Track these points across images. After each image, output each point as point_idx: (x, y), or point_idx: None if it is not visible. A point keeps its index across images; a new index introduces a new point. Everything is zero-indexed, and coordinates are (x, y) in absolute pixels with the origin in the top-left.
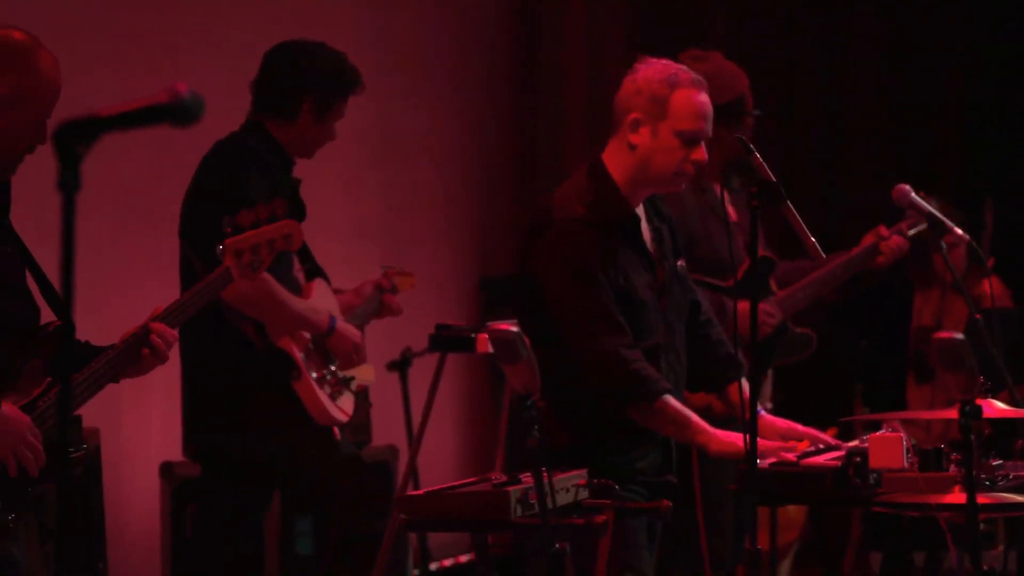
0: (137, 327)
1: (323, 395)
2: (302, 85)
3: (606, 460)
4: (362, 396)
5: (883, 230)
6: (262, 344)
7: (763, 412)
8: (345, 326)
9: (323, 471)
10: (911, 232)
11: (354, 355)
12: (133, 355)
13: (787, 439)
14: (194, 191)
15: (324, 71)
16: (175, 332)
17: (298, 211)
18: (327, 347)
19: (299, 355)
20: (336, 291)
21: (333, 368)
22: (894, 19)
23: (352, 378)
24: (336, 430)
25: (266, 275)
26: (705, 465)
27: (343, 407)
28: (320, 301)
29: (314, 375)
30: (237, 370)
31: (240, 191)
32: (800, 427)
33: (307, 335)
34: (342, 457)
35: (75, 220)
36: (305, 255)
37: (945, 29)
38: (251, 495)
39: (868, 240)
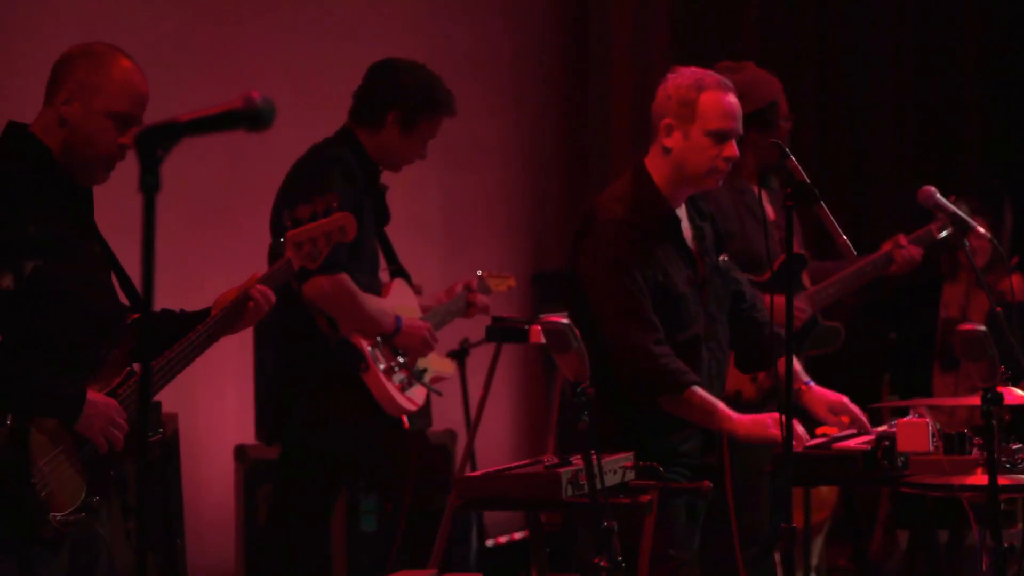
0: (236, 290)
1: (391, 386)
2: (389, 97)
3: (650, 443)
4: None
5: (902, 239)
6: (334, 337)
7: (813, 385)
8: (412, 323)
9: (391, 457)
10: (941, 234)
11: (422, 348)
12: (238, 314)
13: (836, 412)
14: (282, 190)
15: (412, 86)
16: (273, 296)
17: (383, 215)
18: (395, 344)
19: (367, 348)
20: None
21: (403, 360)
22: (917, 23)
23: (425, 370)
24: (405, 419)
25: (344, 276)
26: (735, 448)
27: (413, 397)
28: (396, 300)
29: (382, 367)
30: (310, 361)
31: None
32: (849, 401)
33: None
34: (410, 442)
35: (155, 220)
36: (391, 256)
37: (966, 31)
38: (322, 480)
39: (886, 247)
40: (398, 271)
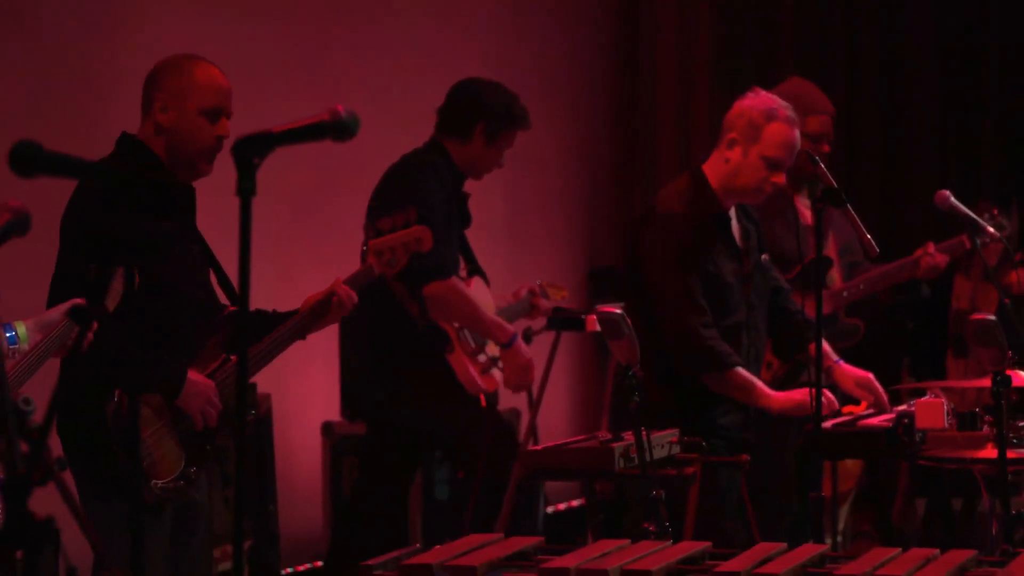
0: (322, 292)
1: (473, 367)
2: (477, 111)
3: (694, 419)
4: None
5: (931, 246)
6: (423, 321)
7: (842, 363)
8: (521, 345)
9: (469, 432)
10: (972, 243)
11: (523, 375)
12: (324, 310)
13: (864, 388)
14: (379, 195)
15: (496, 103)
16: (356, 297)
17: (465, 219)
18: (503, 358)
19: (453, 331)
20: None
21: (484, 346)
22: (944, 30)
23: (497, 357)
24: (483, 397)
25: (456, 282)
26: (764, 425)
27: (489, 381)
28: (475, 293)
29: (466, 349)
30: (399, 343)
31: (419, 196)
32: (873, 378)
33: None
34: (485, 418)
35: (251, 222)
36: (469, 256)
37: (988, 43)
38: (404, 452)
39: (917, 253)
40: (476, 270)
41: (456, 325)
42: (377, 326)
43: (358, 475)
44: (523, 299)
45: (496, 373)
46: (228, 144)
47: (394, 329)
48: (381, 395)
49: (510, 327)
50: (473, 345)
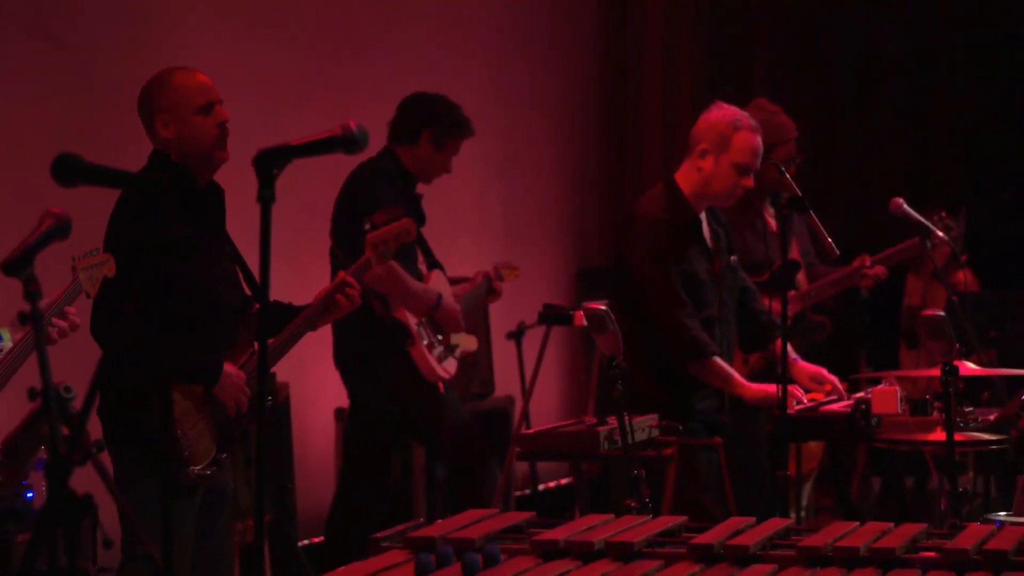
0: (330, 286)
1: (431, 358)
2: (424, 119)
3: (672, 405)
4: (485, 356)
5: (867, 259)
6: (386, 316)
7: (799, 360)
8: (450, 302)
9: (430, 415)
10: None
11: (455, 325)
12: (330, 304)
13: (817, 381)
14: (340, 200)
15: (441, 112)
16: (360, 287)
17: (419, 218)
18: (436, 319)
19: (413, 326)
20: (458, 280)
21: (441, 337)
22: (910, 63)
23: (457, 346)
24: (441, 385)
25: (393, 262)
26: (739, 412)
27: (447, 368)
28: (435, 286)
29: (425, 342)
30: (367, 337)
31: (372, 200)
32: (827, 372)
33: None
34: (444, 403)
35: (271, 225)
36: (427, 251)
37: (951, 80)
38: (379, 432)
39: (855, 264)
40: (434, 263)
41: (415, 320)
42: (349, 322)
43: (341, 461)
44: (480, 284)
45: (451, 362)
46: (250, 155)
47: (362, 325)
48: (356, 381)
49: (434, 291)
50: (430, 338)
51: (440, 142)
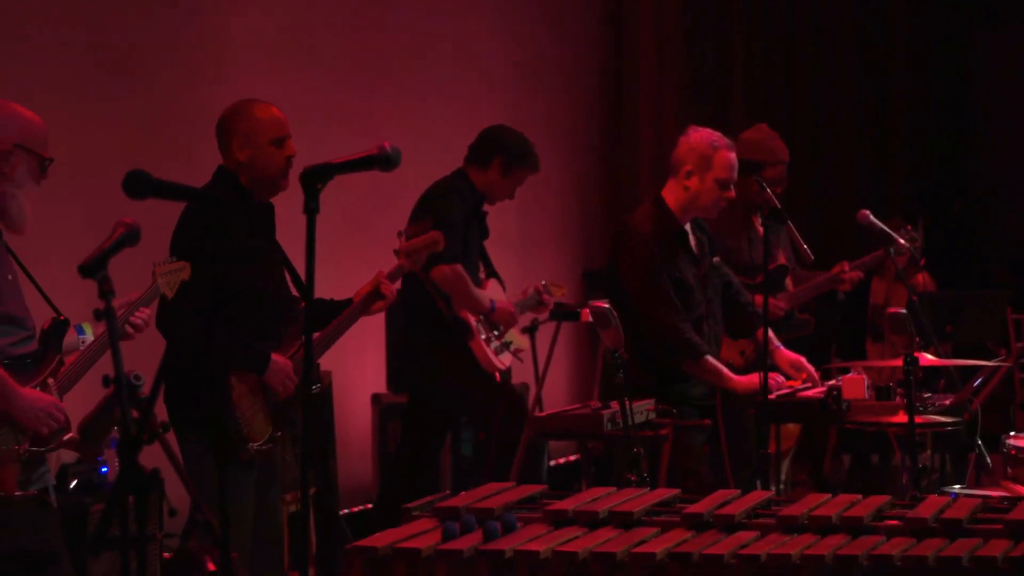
0: (369, 285)
1: (489, 351)
2: (497, 147)
3: (668, 390)
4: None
5: (845, 265)
6: (449, 313)
7: (781, 348)
8: (503, 306)
9: (486, 402)
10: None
11: (509, 323)
12: (371, 301)
13: (796, 368)
14: (414, 211)
15: (513, 142)
16: (396, 287)
17: (484, 232)
18: (492, 320)
19: (474, 323)
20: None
21: (496, 334)
22: (865, 79)
23: (511, 342)
24: (497, 375)
25: (459, 267)
26: (728, 399)
27: (503, 360)
28: (491, 293)
29: (483, 337)
30: (431, 331)
31: (445, 214)
32: (805, 361)
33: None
34: (500, 391)
35: (315, 233)
36: (487, 263)
37: (898, 91)
38: (437, 418)
39: (835, 270)
40: (492, 273)
41: (475, 318)
42: (415, 318)
43: (401, 436)
44: (531, 295)
45: (506, 356)
46: (296, 172)
47: (428, 320)
48: (419, 373)
49: (487, 300)
50: (487, 333)
51: (508, 170)
